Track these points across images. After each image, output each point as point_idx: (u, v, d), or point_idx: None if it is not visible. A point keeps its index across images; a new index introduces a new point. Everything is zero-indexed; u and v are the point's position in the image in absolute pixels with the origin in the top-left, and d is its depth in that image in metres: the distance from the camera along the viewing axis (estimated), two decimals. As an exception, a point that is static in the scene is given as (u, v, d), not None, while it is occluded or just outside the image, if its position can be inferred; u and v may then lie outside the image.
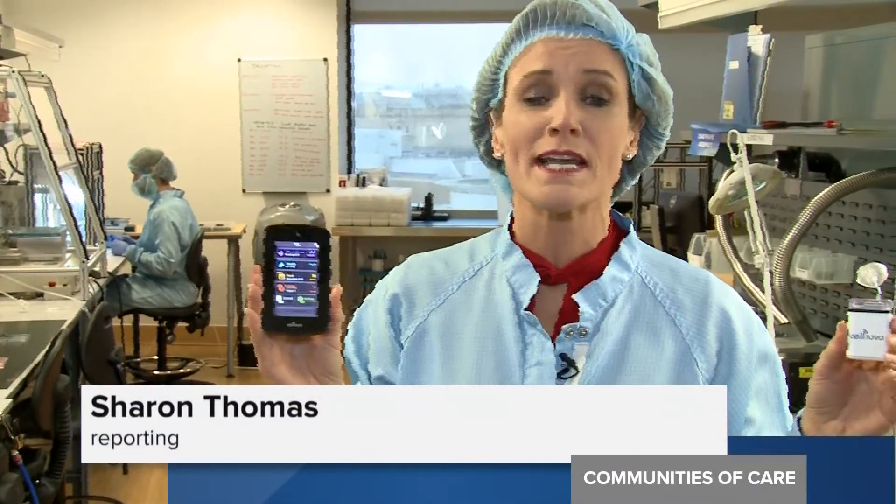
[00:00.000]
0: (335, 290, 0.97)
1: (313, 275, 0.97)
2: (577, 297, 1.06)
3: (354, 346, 1.15)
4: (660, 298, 1.07)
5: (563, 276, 1.07)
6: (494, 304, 1.08)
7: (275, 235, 0.98)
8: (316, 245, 0.97)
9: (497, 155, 1.10)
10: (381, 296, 1.14)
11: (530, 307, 1.07)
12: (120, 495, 4.10)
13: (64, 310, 3.73)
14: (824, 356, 0.96)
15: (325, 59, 6.49)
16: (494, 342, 1.06)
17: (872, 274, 0.98)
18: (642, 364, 1.04)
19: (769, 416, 1.07)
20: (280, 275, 0.97)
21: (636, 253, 1.10)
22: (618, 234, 1.12)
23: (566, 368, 1.04)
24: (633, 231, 1.12)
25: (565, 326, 1.05)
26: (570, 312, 1.06)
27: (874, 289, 0.96)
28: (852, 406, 0.96)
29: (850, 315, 0.92)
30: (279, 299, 0.96)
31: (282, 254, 0.97)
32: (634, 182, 1.15)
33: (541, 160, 1.02)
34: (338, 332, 0.98)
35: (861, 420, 0.95)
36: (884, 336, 0.92)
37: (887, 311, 0.92)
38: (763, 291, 2.27)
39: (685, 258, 3.17)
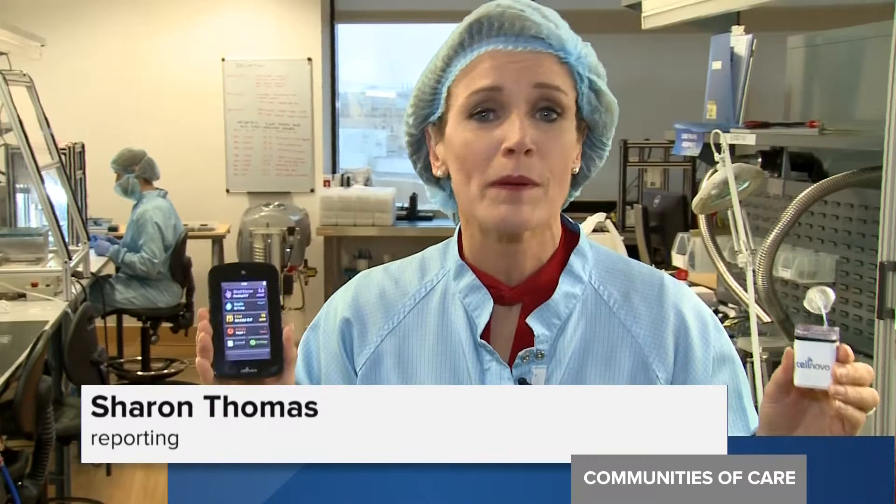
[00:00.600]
0: (287, 330, 0.93)
1: (263, 315, 0.93)
2: (530, 320, 1.03)
3: (305, 370, 1.11)
4: (615, 309, 1.05)
5: (517, 296, 1.05)
6: (449, 328, 1.05)
7: (220, 276, 0.93)
8: (264, 283, 0.93)
9: (437, 173, 1.06)
10: (330, 318, 1.10)
11: (486, 330, 1.04)
12: (103, 497, 4.08)
13: (46, 310, 3.71)
14: (772, 382, 0.94)
15: (310, 59, 6.47)
16: (451, 370, 1.04)
17: (819, 299, 0.95)
18: (601, 382, 1.02)
19: (730, 419, 1.04)
20: (229, 317, 0.92)
21: (588, 262, 1.07)
22: (569, 241, 1.09)
23: None
24: (583, 237, 1.09)
25: (521, 352, 1.03)
26: (525, 334, 1.04)
27: (821, 314, 0.94)
28: (803, 429, 0.94)
29: (796, 343, 0.90)
30: (230, 343, 0.92)
31: (229, 294, 0.92)
32: (577, 194, 1.10)
33: (494, 184, 0.98)
34: (292, 372, 0.94)
35: None
36: (829, 365, 0.90)
37: (833, 340, 0.89)
38: (746, 290, 2.28)
39: (669, 257, 3.18)
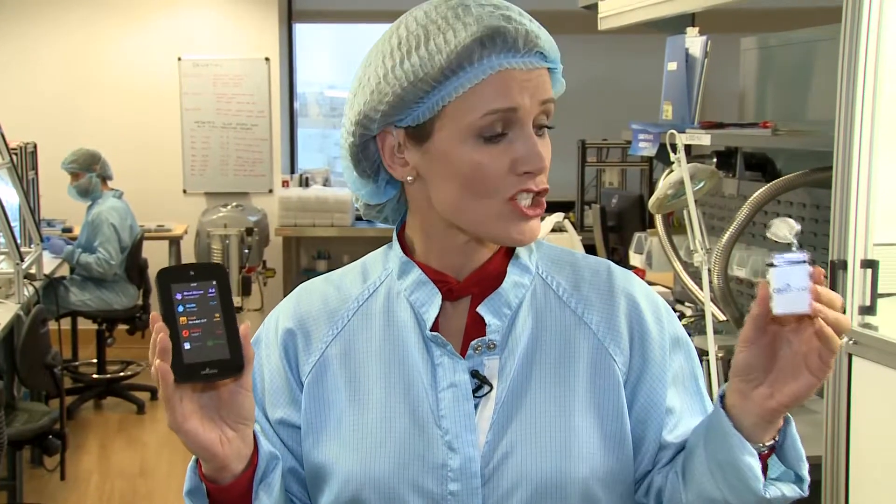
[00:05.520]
0: (244, 328, 0.91)
1: (218, 314, 0.90)
2: (480, 309, 1.02)
3: None
4: (564, 298, 1.05)
5: (466, 289, 1.04)
6: (396, 326, 1.04)
7: (168, 278, 0.90)
8: (214, 283, 0.91)
9: (407, 178, 1.01)
10: (271, 331, 1.08)
11: (434, 326, 1.02)
12: (57, 502, 4.02)
13: (-2, 313, 3.64)
14: (749, 320, 0.92)
15: (267, 59, 6.43)
16: (401, 367, 1.02)
17: (784, 228, 0.95)
18: (557, 370, 1.02)
19: (688, 403, 1.06)
20: (182, 319, 0.89)
21: (533, 253, 1.07)
22: None
23: (479, 386, 1.00)
24: None
25: (473, 342, 1.01)
26: (475, 326, 1.03)
27: (789, 242, 0.93)
28: (777, 372, 0.92)
29: (771, 271, 0.88)
30: (186, 346, 0.89)
31: (179, 297, 0.90)
32: None
33: (513, 197, 0.97)
34: (250, 372, 0.92)
35: (789, 384, 0.91)
36: (807, 287, 0.88)
37: (807, 263, 0.88)
38: (702, 289, 2.31)
39: (627, 257, 3.21)
